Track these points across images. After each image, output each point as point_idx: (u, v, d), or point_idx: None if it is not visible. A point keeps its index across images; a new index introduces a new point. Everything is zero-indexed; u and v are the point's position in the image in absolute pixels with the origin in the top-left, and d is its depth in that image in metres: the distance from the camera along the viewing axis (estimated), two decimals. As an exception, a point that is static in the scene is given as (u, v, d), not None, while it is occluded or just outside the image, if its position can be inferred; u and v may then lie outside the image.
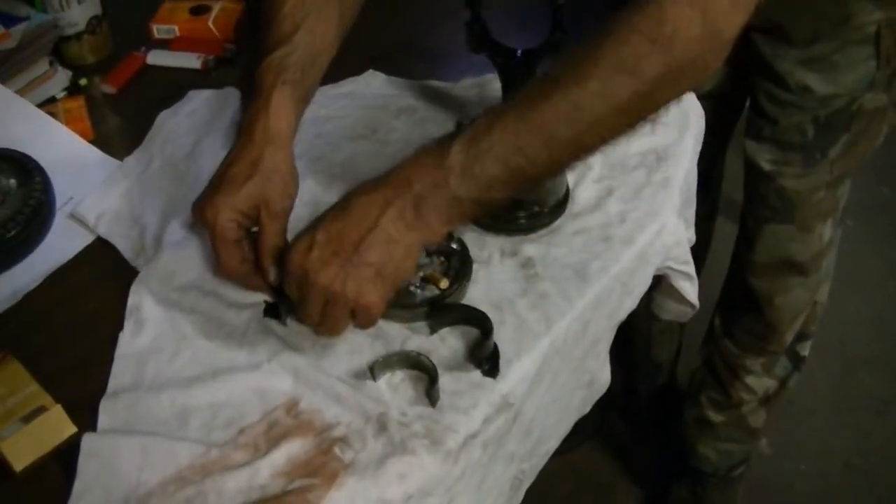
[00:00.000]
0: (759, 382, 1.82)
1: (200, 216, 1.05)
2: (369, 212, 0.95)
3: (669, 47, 0.89)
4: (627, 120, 0.94)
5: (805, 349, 1.83)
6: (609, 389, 1.21)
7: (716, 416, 1.90)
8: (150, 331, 1.08)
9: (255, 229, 1.07)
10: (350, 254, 0.94)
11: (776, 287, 1.69)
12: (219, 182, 1.06)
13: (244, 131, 1.09)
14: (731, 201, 1.97)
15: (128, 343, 1.07)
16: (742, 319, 1.78)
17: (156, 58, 1.51)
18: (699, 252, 1.79)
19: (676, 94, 0.94)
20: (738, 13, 0.91)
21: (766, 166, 1.55)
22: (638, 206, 1.18)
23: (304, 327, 1.05)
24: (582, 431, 1.23)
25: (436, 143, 0.96)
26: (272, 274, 1.04)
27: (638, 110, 0.94)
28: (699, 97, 1.35)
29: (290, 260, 0.97)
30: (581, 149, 0.96)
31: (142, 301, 1.10)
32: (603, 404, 1.23)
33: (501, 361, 1.01)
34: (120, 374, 1.04)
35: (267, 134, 1.07)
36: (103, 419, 1.00)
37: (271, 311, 1.06)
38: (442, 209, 0.95)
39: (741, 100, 1.64)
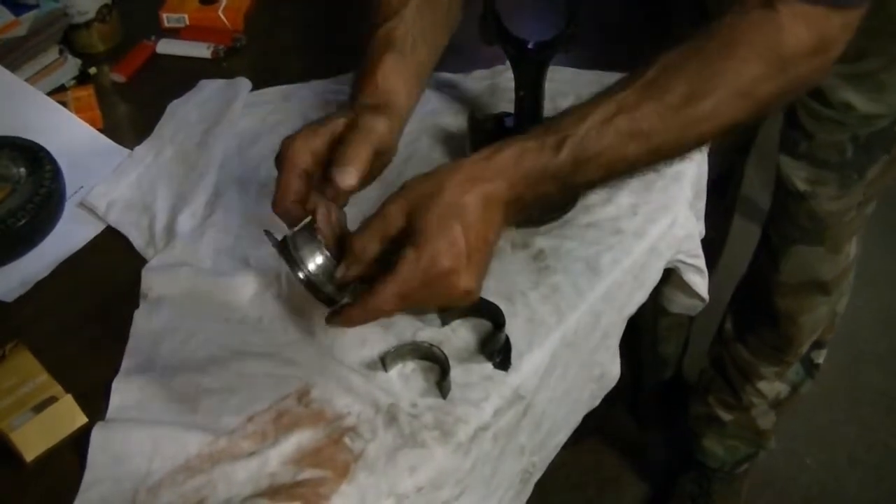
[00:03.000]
0: (771, 387, 1.81)
1: (278, 154, 0.96)
2: (493, 212, 0.90)
3: (786, 71, 0.90)
4: (730, 132, 0.94)
5: (820, 357, 1.81)
6: (616, 383, 1.21)
7: (724, 415, 1.89)
8: (165, 311, 1.08)
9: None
10: (484, 257, 0.90)
11: (801, 307, 1.65)
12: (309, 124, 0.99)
13: (350, 95, 1.03)
14: (742, 196, 1.97)
15: (143, 321, 1.08)
16: (759, 330, 1.75)
17: (166, 47, 1.51)
18: (713, 251, 1.77)
19: (779, 109, 0.93)
20: (847, 32, 0.91)
21: (801, 186, 1.49)
22: (650, 199, 1.18)
23: (317, 315, 1.05)
24: (588, 424, 1.23)
25: (542, 140, 0.91)
26: (347, 175, 0.92)
27: (743, 126, 0.94)
28: None
29: (442, 252, 0.87)
30: (680, 156, 0.97)
31: (155, 283, 1.10)
32: (609, 398, 1.23)
33: (513, 354, 1.01)
34: (134, 352, 1.05)
35: (375, 90, 1.01)
36: (115, 399, 1.00)
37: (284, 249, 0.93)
38: (534, 208, 0.94)
39: None
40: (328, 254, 0.92)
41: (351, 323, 0.92)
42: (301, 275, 0.92)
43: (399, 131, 1.03)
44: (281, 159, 0.95)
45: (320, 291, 0.93)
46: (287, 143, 0.95)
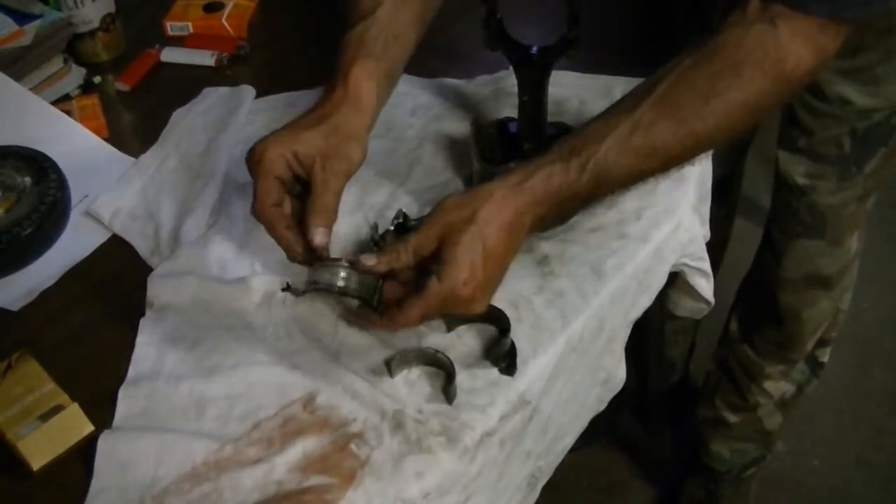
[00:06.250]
0: (777, 387, 1.80)
1: (249, 158, 1.02)
2: (516, 237, 0.96)
3: (789, 85, 0.97)
4: (735, 140, 1.04)
5: (824, 355, 1.81)
6: (622, 386, 1.21)
7: (731, 417, 1.89)
8: (170, 319, 1.09)
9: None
10: (498, 280, 0.97)
11: (804, 302, 1.65)
12: (281, 128, 1.03)
13: (319, 99, 1.06)
14: (745, 197, 1.96)
15: (149, 330, 1.08)
16: (763, 329, 1.75)
17: (169, 55, 1.51)
18: (716, 252, 1.77)
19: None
20: (841, 38, 0.96)
21: (800, 180, 1.50)
22: (654, 203, 1.17)
23: (321, 321, 1.05)
24: (595, 428, 1.23)
25: (567, 162, 0.95)
26: (319, 236, 0.99)
27: (743, 131, 1.02)
28: None
29: (462, 282, 0.93)
30: (686, 163, 1.03)
31: (161, 291, 1.11)
32: (616, 401, 1.23)
33: (518, 359, 1.01)
34: (140, 360, 1.05)
35: (346, 99, 1.04)
36: (121, 407, 1.01)
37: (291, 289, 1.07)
38: (554, 222, 1.01)
39: None
40: (346, 265, 0.98)
41: (373, 328, 1.03)
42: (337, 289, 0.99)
43: (369, 131, 1.06)
44: (254, 164, 1.01)
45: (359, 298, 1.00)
46: (261, 150, 1.00)
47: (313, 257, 1.01)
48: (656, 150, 0.96)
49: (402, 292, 0.98)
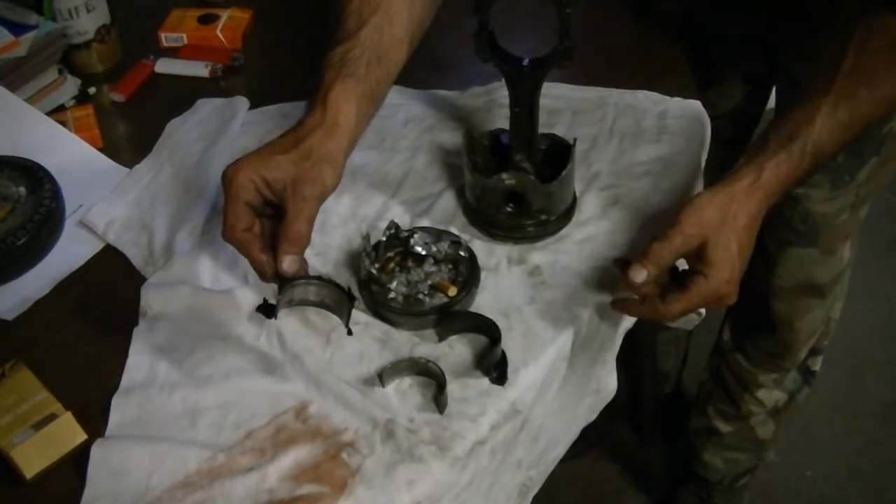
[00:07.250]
0: (769, 396, 1.81)
1: (223, 179, 1.02)
2: (755, 231, 1.05)
3: None
4: None
5: (816, 364, 1.82)
6: (615, 397, 1.22)
7: (723, 427, 1.89)
8: (164, 328, 1.09)
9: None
10: (742, 273, 1.04)
11: (796, 310, 1.66)
12: (254, 152, 1.04)
13: (298, 120, 1.06)
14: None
15: (142, 339, 1.08)
16: (756, 338, 1.76)
17: (164, 66, 1.52)
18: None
19: None
20: None
21: (793, 189, 1.52)
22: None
23: (313, 331, 1.06)
24: (588, 438, 1.23)
25: (789, 149, 1.03)
26: (287, 262, 1.01)
27: None
28: (719, 116, 1.33)
29: (725, 281, 1.01)
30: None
31: (154, 301, 1.11)
32: (609, 411, 1.23)
33: (509, 369, 1.01)
34: (134, 369, 1.05)
35: (322, 122, 1.04)
36: (115, 416, 1.01)
37: (265, 309, 1.06)
38: (772, 205, 1.06)
39: (758, 115, 1.63)
40: (316, 281, 1.07)
41: (631, 313, 1.09)
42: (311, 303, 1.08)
43: (346, 154, 1.07)
44: (226, 187, 1.02)
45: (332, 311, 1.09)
46: (231, 174, 1.01)
47: (285, 280, 1.03)
48: (858, 119, 1.04)
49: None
